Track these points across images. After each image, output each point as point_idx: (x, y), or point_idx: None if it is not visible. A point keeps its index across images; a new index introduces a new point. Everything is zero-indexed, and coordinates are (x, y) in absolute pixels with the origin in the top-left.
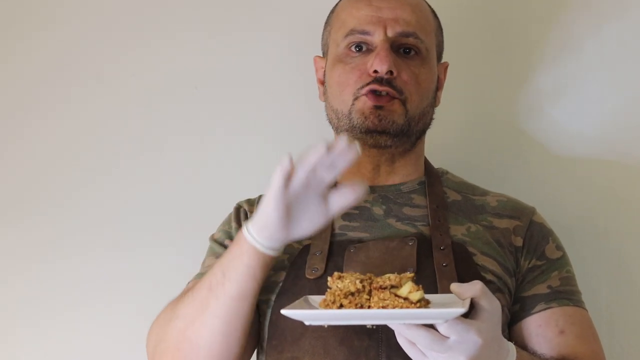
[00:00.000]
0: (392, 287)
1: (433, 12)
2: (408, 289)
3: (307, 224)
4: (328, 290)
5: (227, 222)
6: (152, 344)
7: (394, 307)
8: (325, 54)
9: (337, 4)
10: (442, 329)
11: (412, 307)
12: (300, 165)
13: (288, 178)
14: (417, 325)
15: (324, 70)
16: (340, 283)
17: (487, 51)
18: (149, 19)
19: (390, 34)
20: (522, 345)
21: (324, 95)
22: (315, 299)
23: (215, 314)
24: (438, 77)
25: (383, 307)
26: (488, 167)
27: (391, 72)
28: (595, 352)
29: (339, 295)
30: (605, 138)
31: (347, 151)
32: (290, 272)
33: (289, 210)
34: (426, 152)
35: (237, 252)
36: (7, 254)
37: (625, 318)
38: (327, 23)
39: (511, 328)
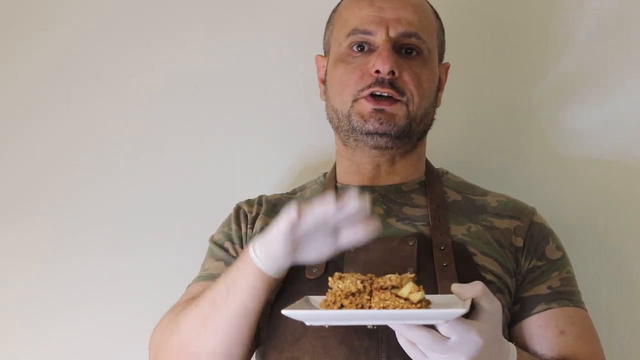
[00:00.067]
0: (393, 287)
1: (435, 13)
2: (409, 289)
3: (314, 254)
4: (329, 290)
5: (227, 223)
6: (153, 350)
7: (394, 308)
8: (326, 53)
9: (339, 4)
10: (442, 329)
11: (413, 308)
12: (308, 213)
13: (294, 224)
14: (418, 325)
15: (326, 69)
16: (341, 283)
17: (487, 51)
18: (149, 19)
19: (392, 34)
20: (522, 345)
21: (325, 94)
22: (316, 299)
23: (218, 331)
24: (439, 77)
25: (384, 308)
26: (488, 167)
27: (393, 73)
28: (595, 352)
29: (339, 295)
30: (605, 138)
31: (355, 206)
32: (290, 272)
33: (296, 244)
34: (426, 152)
35: (242, 270)
36: (7, 254)
37: (625, 318)
38: (329, 22)
39: (511, 328)
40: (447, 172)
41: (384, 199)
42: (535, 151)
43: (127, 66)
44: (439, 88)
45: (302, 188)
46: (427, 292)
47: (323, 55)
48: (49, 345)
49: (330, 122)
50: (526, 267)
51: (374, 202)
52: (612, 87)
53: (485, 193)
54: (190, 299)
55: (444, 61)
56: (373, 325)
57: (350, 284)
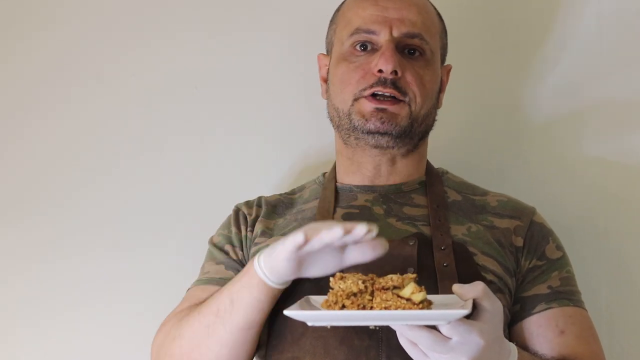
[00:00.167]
0: (395, 287)
1: (438, 14)
2: (411, 289)
3: (319, 271)
4: (330, 290)
5: (226, 225)
6: (155, 354)
7: (396, 308)
8: (329, 52)
9: (343, 3)
10: (444, 329)
11: (415, 308)
12: (314, 238)
13: (300, 247)
14: (419, 325)
15: (328, 68)
16: (342, 284)
17: (487, 51)
18: (149, 19)
19: (395, 34)
20: (522, 345)
21: (327, 93)
22: (317, 299)
23: (221, 342)
24: (441, 79)
25: (386, 308)
26: (488, 167)
27: (395, 72)
28: (595, 352)
29: (341, 295)
30: (605, 138)
31: (364, 237)
32: None
33: (301, 263)
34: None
35: (246, 283)
36: (7, 254)
37: (625, 318)
38: (332, 21)
39: (511, 328)
40: (447, 172)
41: (384, 198)
42: (535, 151)
43: (127, 66)
44: (440, 89)
45: (302, 188)
46: (427, 292)
47: (325, 54)
48: (49, 345)
49: (331, 120)
50: (526, 267)
51: (374, 202)
52: (612, 87)
53: (485, 193)
54: (193, 306)
55: (446, 63)
56: (375, 326)
57: (352, 284)
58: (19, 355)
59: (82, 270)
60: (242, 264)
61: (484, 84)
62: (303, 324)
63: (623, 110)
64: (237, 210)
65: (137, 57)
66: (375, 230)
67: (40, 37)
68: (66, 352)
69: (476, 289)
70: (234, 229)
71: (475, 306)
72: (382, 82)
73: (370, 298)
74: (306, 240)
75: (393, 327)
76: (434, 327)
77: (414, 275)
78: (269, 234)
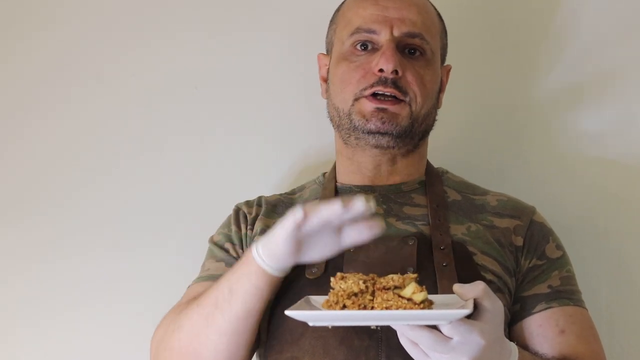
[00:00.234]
0: (396, 287)
1: (439, 14)
2: (412, 289)
3: (317, 254)
4: (331, 290)
5: (227, 224)
6: (154, 349)
7: (397, 308)
8: (329, 51)
9: (343, 3)
10: (445, 329)
11: (416, 308)
12: (313, 214)
13: (300, 225)
14: (420, 325)
15: (328, 68)
16: (343, 284)
17: (487, 51)
18: (149, 19)
19: (396, 33)
20: (522, 345)
21: (327, 92)
22: (317, 299)
23: (220, 331)
24: (441, 79)
25: (387, 308)
26: (488, 167)
27: (396, 72)
28: (595, 351)
29: (342, 295)
30: (605, 138)
31: (362, 211)
32: (290, 272)
33: (299, 244)
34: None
35: (245, 270)
36: (7, 254)
37: (625, 318)
38: (332, 21)
39: (511, 328)
40: (447, 172)
41: (384, 198)
42: (535, 151)
43: (127, 66)
44: (440, 89)
45: (302, 188)
46: (427, 292)
47: (325, 54)
48: (49, 345)
49: (331, 120)
50: (526, 267)
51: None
52: (612, 87)
53: (485, 192)
54: (191, 299)
55: (446, 63)
56: (376, 326)
57: (353, 284)
58: (19, 355)
59: (82, 270)
60: None
61: (484, 84)
62: (302, 324)
63: (623, 110)
64: (237, 210)
65: (137, 57)
66: (373, 203)
67: (40, 37)
68: (66, 352)
69: (477, 288)
70: (234, 228)
71: (476, 306)
72: (382, 82)
73: (371, 298)
74: (305, 217)
75: (394, 327)
76: (434, 327)
77: (415, 275)
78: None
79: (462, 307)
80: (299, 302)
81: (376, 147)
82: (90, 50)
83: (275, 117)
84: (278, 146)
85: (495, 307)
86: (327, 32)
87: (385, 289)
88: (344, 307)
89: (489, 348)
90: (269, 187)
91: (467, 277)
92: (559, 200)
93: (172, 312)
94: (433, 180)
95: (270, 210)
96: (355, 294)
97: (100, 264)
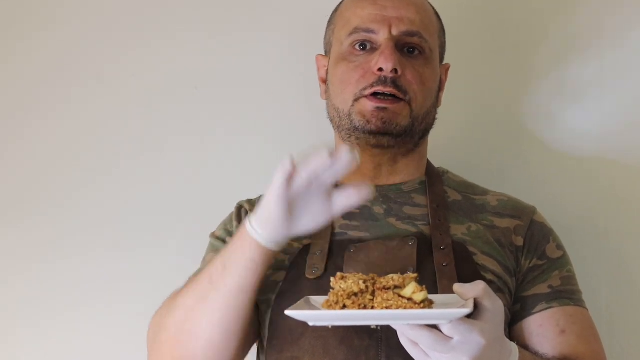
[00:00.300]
0: (396, 287)
1: (436, 13)
2: (412, 289)
3: (310, 221)
4: (331, 290)
5: (229, 221)
6: (152, 334)
7: (397, 308)
8: (327, 52)
9: (340, 3)
10: (445, 329)
11: (416, 308)
12: (302, 168)
13: (289, 178)
14: (420, 325)
15: (327, 69)
16: (343, 283)
17: (487, 51)
18: (149, 19)
19: (395, 32)
20: (522, 345)
21: (326, 93)
22: (317, 299)
23: (215, 307)
24: (440, 78)
25: (387, 308)
26: (488, 167)
27: (396, 71)
28: (596, 351)
29: (342, 295)
30: (605, 138)
31: (348, 160)
32: (290, 271)
33: (291, 207)
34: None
35: (238, 245)
36: (7, 254)
37: (625, 318)
38: (330, 22)
39: (512, 328)
40: (447, 172)
41: (384, 198)
42: (535, 151)
43: (127, 66)
44: (440, 88)
45: None
46: (427, 292)
47: (324, 55)
48: (49, 345)
49: (331, 121)
50: (527, 267)
51: (374, 202)
52: (612, 86)
53: (485, 192)
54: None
55: (444, 62)
56: (377, 326)
57: (353, 284)
58: (19, 355)
59: (82, 270)
60: None
61: (484, 84)
62: (303, 323)
63: (623, 109)
64: (239, 207)
65: (137, 57)
66: (357, 152)
67: (40, 37)
68: (66, 352)
69: (477, 288)
70: (235, 223)
71: (476, 306)
72: (382, 81)
73: (371, 298)
74: (294, 168)
75: (394, 326)
76: (435, 327)
77: (415, 275)
78: None
79: (462, 306)
80: (299, 302)
81: (377, 146)
82: (90, 50)
83: (275, 117)
84: (278, 146)
85: (495, 307)
86: (325, 33)
87: (385, 288)
88: (344, 307)
89: (489, 348)
90: None
91: (467, 277)
92: (559, 200)
93: (169, 298)
94: (433, 180)
95: None
96: (355, 294)
97: (100, 264)
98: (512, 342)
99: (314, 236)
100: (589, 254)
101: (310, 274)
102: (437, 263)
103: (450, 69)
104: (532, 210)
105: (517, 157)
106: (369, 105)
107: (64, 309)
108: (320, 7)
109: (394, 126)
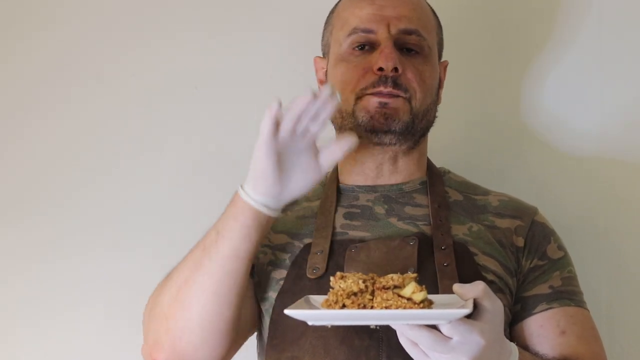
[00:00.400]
0: (395, 287)
1: (432, 10)
2: (411, 289)
3: (301, 178)
4: (330, 290)
5: None
6: (147, 312)
7: (397, 308)
8: (325, 54)
9: (337, 4)
10: (445, 329)
11: (416, 308)
12: (287, 113)
13: (276, 125)
14: (420, 325)
15: (325, 71)
16: (342, 283)
17: (487, 51)
18: (149, 19)
19: (393, 31)
20: (523, 345)
21: None
22: (317, 298)
23: (208, 273)
24: (439, 75)
25: (386, 308)
26: (488, 167)
27: (396, 70)
28: (596, 352)
29: (341, 295)
30: (605, 137)
31: (330, 99)
32: (291, 271)
33: (280, 160)
34: (427, 152)
35: (232, 211)
36: (7, 254)
37: (625, 318)
38: (327, 23)
39: (512, 328)
40: (449, 172)
41: (385, 198)
42: (535, 151)
43: (127, 66)
44: (439, 85)
45: None
46: (427, 292)
47: (321, 56)
48: (49, 345)
49: (333, 122)
50: (527, 267)
51: (375, 202)
52: (612, 87)
53: (486, 192)
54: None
55: (443, 59)
56: (376, 325)
57: (352, 284)
58: (19, 355)
59: (82, 270)
60: None
61: (484, 84)
62: (303, 323)
63: (623, 109)
64: None
65: (137, 57)
66: (337, 91)
67: (40, 37)
68: (66, 352)
69: (477, 288)
70: None
71: (476, 306)
72: (383, 81)
73: (371, 297)
74: (280, 110)
75: (393, 326)
76: (434, 327)
77: (415, 275)
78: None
79: (462, 307)
80: (299, 301)
81: (378, 144)
82: (90, 50)
83: None
84: None
85: (495, 307)
86: (323, 35)
87: (385, 288)
88: (344, 306)
89: (488, 348)
90: None
91: (468, 277)
92: (559, 201)
93: (165, 277)
94: (434, 180)
95: None
96: (355, 294)
97: (100, 264)
98: (511, 343)
99: (315, 235)
100: (589, 254)
101: (311, 274)
102: (438, 263)
103: (451, 69)
104: (533, 211)
105: (517, 157)
106: (373, 100)
107: (64, 309)
108: (320, 7)
109: (396, 122)
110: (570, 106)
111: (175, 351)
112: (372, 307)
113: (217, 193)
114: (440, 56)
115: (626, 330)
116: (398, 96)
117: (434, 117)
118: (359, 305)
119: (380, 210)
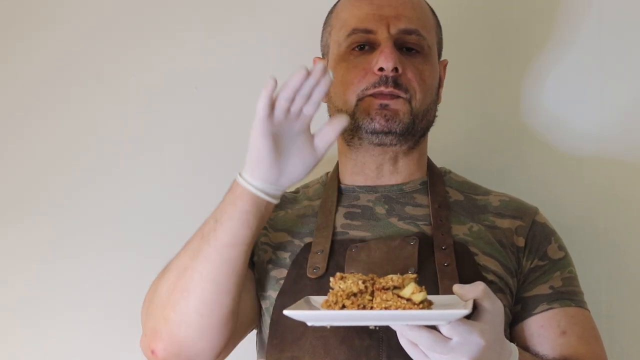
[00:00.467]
0: (395, 287)
1: (431, 9)
2: (411, 290)
3: (298, 162)
4: (330, 290)
5: None
6: (146, 302)
7: (396, 308)
8: (325, 55)
9: (335, 5)
10: (444, 330)
11: (415, 308)
12: (281, 91)
13: (272, 106)
14: (420, 326)
15: None
16: (342, 284)
17: (487, 51)
18: (149, 19)
19: (393, 31)
20: (523, 345)
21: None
22: (317, 299)
23: (207, 260)
24: (439, 74)
25: (386, 308)
26: (488, 167)
27: (396, 70)
28: (596, 353)
29: (341, 295)
30: (605, 138)
31: (323, 77)
32: (291, 270)
33: (276, 144)
34: (427, 152)
35: (230, 198)
36: (7, 254)
37: (625, 318)
38: (326, 24)
39: (512, 328)
40: (449, 172)
41: (386, 198)
42: (535, 151)
43: (127, 66)
44: (439, 85)
45: (306, 186)
46: (428, 292)
47: (321, 57)
48: (49, 345)
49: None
50: (528, 267)
51: (376, 202)
52: (612, 87)
53: (487, 192)
54: None
55: (443, 59)
56: (375, 326)
57: (352, 284)
58: (19, 355)
59: (82, 270)
60: None
61: (484, 84)
62: (303, 323)
63: (623, 109)
64: None
65: (137, 57)
66: (328, 67)
67: (40, 37)
68: (66, 352)
69: (477, 289)
70: None
71: (475, 306)
72: (383, 82)
73: (371, 298)
74: (275, 83)
75: (393, 327)
76: (434, 328)
77: (414, 276)
78: (270, 224)
79: (462, 307)
80: (299, 301)
81: (379, 145)
82: (90, 50)
83: None
84: None
85: (495, 308)
86: (322, 35)
87: (385, 289)
88: (343, 307)
89: (488, 348)
90: None
91: (468, 277)
92: (559, 201)
93: (164, 268)
94: (435, 180)
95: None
96: (355, 294)
97: (100, 264)
98: (511, 343)
99: (316, 235)
100: (589, 254)
101: (311, 274)
102: (438, 263)
103: (451, 69)
104: (534, 211)
105: (517, 157)
106: (374, 102)
107: (64, 309)
108: (320, 7)
109: (397, 124)
110: (570, 106)
111: (174, 341)
112: (371, 308)
113: (217, 193)
114: (439, 55)
115: (626, 330)
116: (398, 97)
117: (434, 116)
118: (358, 305)
119: (380, 210)
